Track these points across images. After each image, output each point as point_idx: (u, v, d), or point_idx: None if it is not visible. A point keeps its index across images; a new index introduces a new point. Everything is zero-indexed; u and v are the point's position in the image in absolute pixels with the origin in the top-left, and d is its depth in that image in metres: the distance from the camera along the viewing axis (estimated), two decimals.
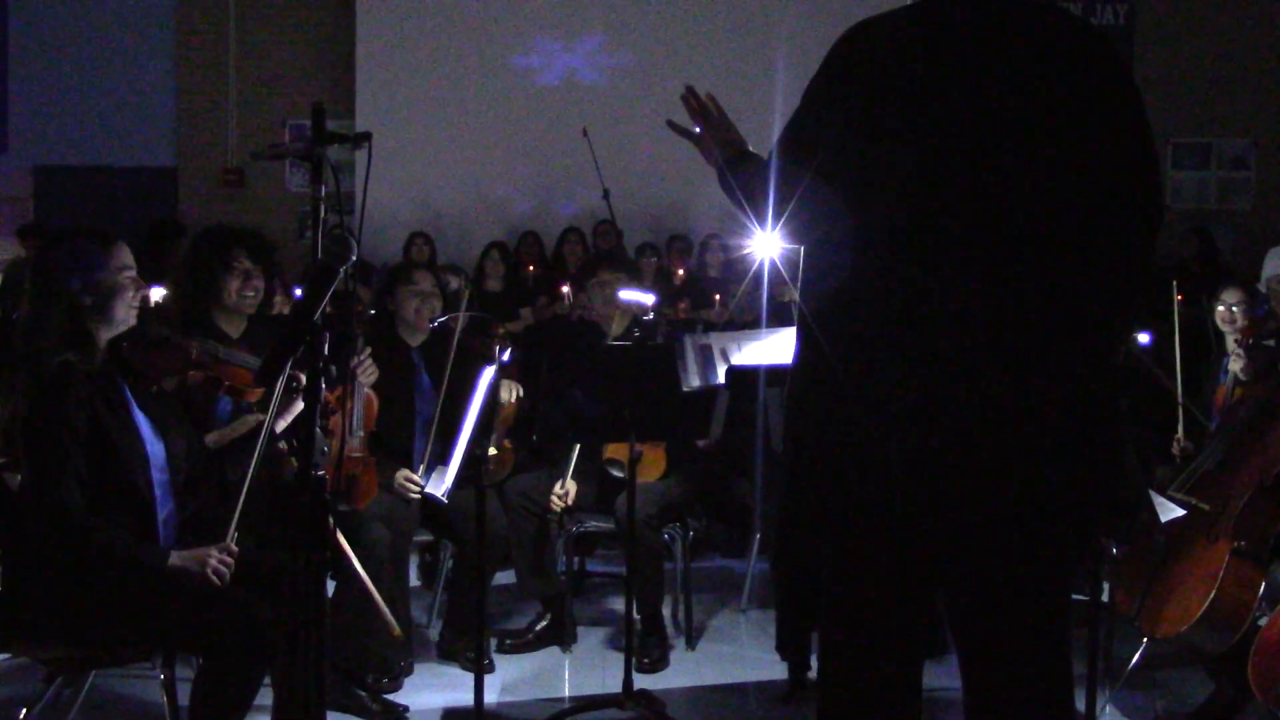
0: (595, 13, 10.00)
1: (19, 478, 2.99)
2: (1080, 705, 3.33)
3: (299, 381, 3.01)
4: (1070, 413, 1.97)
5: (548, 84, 9.94)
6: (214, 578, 2.93)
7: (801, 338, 2.13)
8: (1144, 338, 4.07)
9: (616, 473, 4.48)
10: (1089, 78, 1.98)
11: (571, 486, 4.44)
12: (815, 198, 2.05)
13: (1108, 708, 3.75)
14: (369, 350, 4.01)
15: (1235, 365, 4.60)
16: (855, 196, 2.01)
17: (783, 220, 2.12)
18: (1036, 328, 1.96)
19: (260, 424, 3.17)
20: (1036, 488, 1.97)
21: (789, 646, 3.99)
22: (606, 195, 6.71)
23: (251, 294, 3.66)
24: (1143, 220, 2.02)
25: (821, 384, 2.07)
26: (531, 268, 8.75)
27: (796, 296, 2.19)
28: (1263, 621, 3.34)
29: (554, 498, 4.41)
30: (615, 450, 4.48)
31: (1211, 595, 3.37)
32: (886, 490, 2.00)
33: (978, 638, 2.11)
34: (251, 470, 3.09)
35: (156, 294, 3.80)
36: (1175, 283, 4.68)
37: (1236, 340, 4.62)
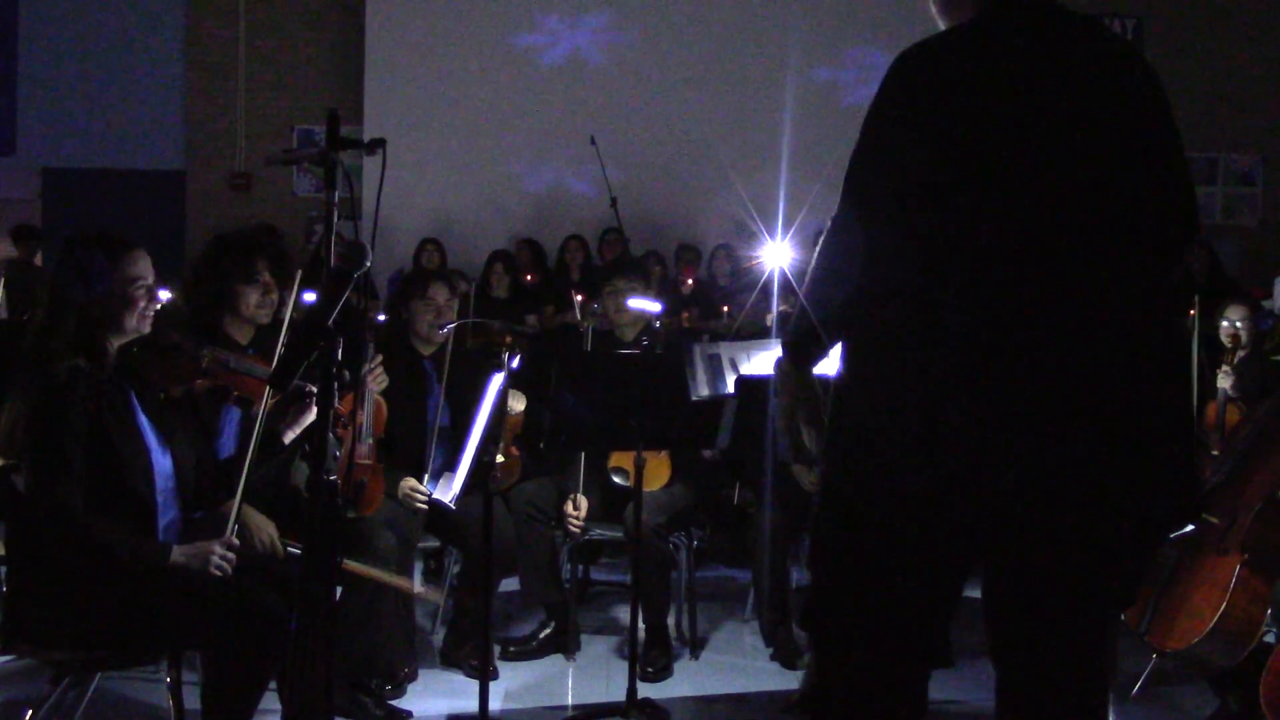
0: (606, 4, 10.02)
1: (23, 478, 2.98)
2: None
3: (310, 391, 3.02)
4: (1142, 423, 1.98)
5: (559, 92, 9.95)
6: (216, 572, 2.92)
7: (855, 360, 2.09)
8: None
9: (620, 481, 4.48)
10: (1137, 97, 2.03)
11: (583, 502, 4.44)
12: (883, 230, 2.01)
13: None
14: (379, 357, 4.02)
15: (1224, 382, 4.64)
16: (930, 222, 1.98)
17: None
18: (1112, 347, 1.97)
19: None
20: (1097, 496, 1.97)
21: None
22: (614, 203, 6.72)
23: (268, 306, 3.66)
24: (1181, 238, 2.08)
25: (878, 402, 2.03)
26: (530, 276, 8.74)
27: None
28: (1270, 638, 3.34)
29: (570, 520, 4.41)
30: (620, 459, 4.48)
31: (1221, 609, 3.37)
32: (937, 493, 1.98)
33: (1022, 644, 2.12)
34: (247, 467, 3.08)
35: (163, 295, 3.79)
36: (1196, 297, 4.72)
37: (1224, 358, 4.66)
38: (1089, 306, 1.96)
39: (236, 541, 3.01)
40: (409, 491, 4.17)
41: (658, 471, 4.53)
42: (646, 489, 4.45)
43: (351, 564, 3.30)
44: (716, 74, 9.78)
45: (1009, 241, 1.95)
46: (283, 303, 3.54)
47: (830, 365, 2.19)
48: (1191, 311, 4.93)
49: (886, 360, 2.02)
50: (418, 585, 3.35)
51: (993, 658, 2.17)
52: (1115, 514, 2.00)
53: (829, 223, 2.10)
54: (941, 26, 2.15)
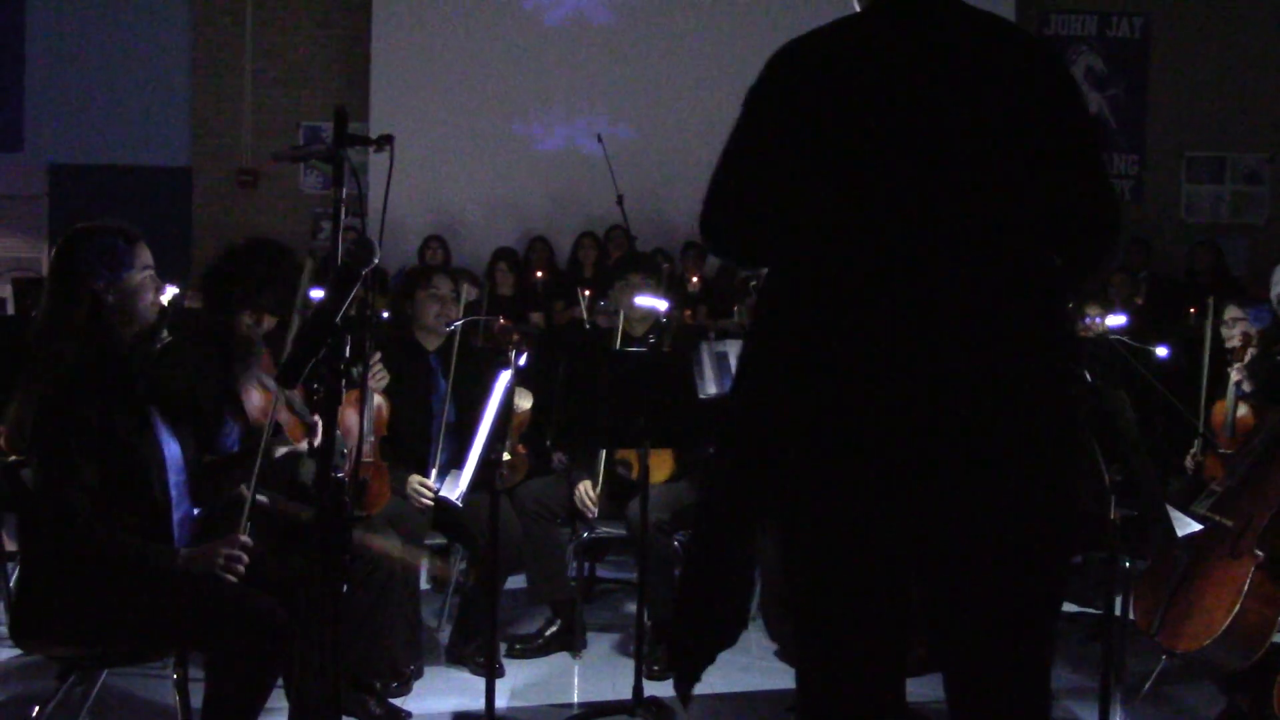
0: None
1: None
2: (1093, 719, 3.33)
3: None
4: (1031, 420, 1.98)
5: (561, 87, 9.94)
6: (225, 573, 2.92)
7: (759, 345, 2.10)
8: (1161, 351, 4.07)
9: (623, 473, 4.49)
10: (1034, 83, 2.02)
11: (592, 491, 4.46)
12: (763, 205, 2.06)
13: None
14: (379, 355, 4.01)
15: (1236, 376, 4.65)
16: (815, 209, 2.01)
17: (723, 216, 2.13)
18: (994, 332, 1.97)
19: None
20: (1003, 493, 1.98)
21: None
22: (621, 200, 6.71)
23: (261, 328, 3.67)
24: (1097, 226, 2.07)
25: (787, 387, 2.03)
26: (540, 274, 8.74)
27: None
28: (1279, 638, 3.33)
29: (585, 502, 4.42)
30: (624, 451, 4.49)
31: (1234, 612, 3.36)
32: (867, 492, 1.98)
33: (954, 645, 2.11)
34: (255, 475, 3.08)
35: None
36: (1212, 300, 4.72)
37: (1235, 355, 4.67)
38: (971, 302, 1.96)
39: (249, 540, 3.00)
40: (416, 487, 4.17)
41: (660, 464, 4.52)
42: (649, 481, 4.45)
43: (370, 537, 3.28)
44: (728, 73, 9.75)
45: (885, 232, 1.96)
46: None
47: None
48: (1193, 310, 4.95)
49: (797, 335, 2.02)
50: (425, 563, 3.33)
51: (938, 660, 2.15)
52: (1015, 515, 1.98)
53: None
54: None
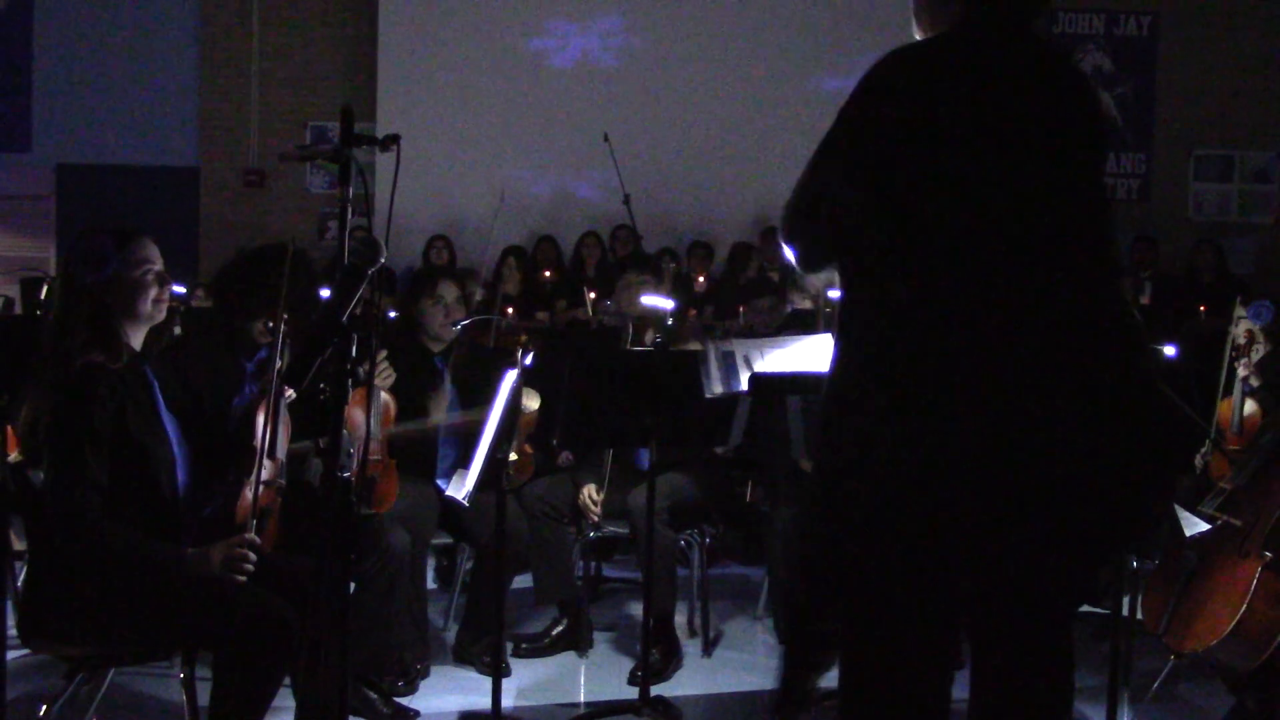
0: (615, 7, 10.01)
1: (41, 474, 2.99)
2: (1101, 718, 3.32)
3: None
4: (1111, 427, 2.06)
5: (571, 88, 9.94)
6: (234, 573, 2.92)
7: (847, 353, 2.16)
8: (1169, 350, 4.06)
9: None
10: (1084, 115, 2.17)
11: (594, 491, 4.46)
12: (852, 212, 2.11)
13: None
14: (385, 353, 4.01)
15: (1243, 372, 4.65)
16: (910, 221, 2.06)
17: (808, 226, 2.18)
18: (1079, 346, 2.06)
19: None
20: (1072, 503, 2.06)
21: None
22: (627, 200, 6.71)
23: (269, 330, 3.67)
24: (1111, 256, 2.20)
25: (868, 399, 2.09)
26: (548, 273, 8.75)
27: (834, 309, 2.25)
28: None
29: (589, 505, 4.43)
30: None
31: (1241, 612, 3.35)
32: (932, 504, 2.04)
33: (996, 646, 2.21)
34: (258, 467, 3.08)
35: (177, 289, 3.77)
36: (1239, 298, 4.73)
37: (1243, 350, 4.68)
38: (1062, 303, 2.05)
39: (255, 538, 3.01)
40: (587, 501, 4.41)
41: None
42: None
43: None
44: (726, 76, 9.76)
45: (978, 240, 2.04)
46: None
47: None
48: (1203, 308, 4.95)
49: (878, 361, 2.08)
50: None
51: (972, 656, 2.26)
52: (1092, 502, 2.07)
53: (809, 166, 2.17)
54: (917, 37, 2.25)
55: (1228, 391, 4.76)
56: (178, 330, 3.10)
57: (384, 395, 4.05)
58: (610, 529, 4.61)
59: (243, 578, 2.91)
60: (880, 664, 2.17)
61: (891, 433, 2.04)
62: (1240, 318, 4.81)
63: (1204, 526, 3.32)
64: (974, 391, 2.01)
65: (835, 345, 2.19)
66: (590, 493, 4.47)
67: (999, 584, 2.15)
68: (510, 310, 6.80)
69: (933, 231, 2.05)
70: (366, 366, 3.83)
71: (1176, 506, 3.29)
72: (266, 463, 3.13)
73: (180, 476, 3.01)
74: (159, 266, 3.01)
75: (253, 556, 2.95)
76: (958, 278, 2.04)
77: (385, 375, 4.04)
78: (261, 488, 3.11)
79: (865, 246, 2.11)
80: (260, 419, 3.22)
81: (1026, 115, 2.08)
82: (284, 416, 3.28)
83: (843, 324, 2.18)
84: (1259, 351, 4.80)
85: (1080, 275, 2.07)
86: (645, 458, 4.54)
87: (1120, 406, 2.07)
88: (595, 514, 4.45)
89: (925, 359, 2.03)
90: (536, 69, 9.97)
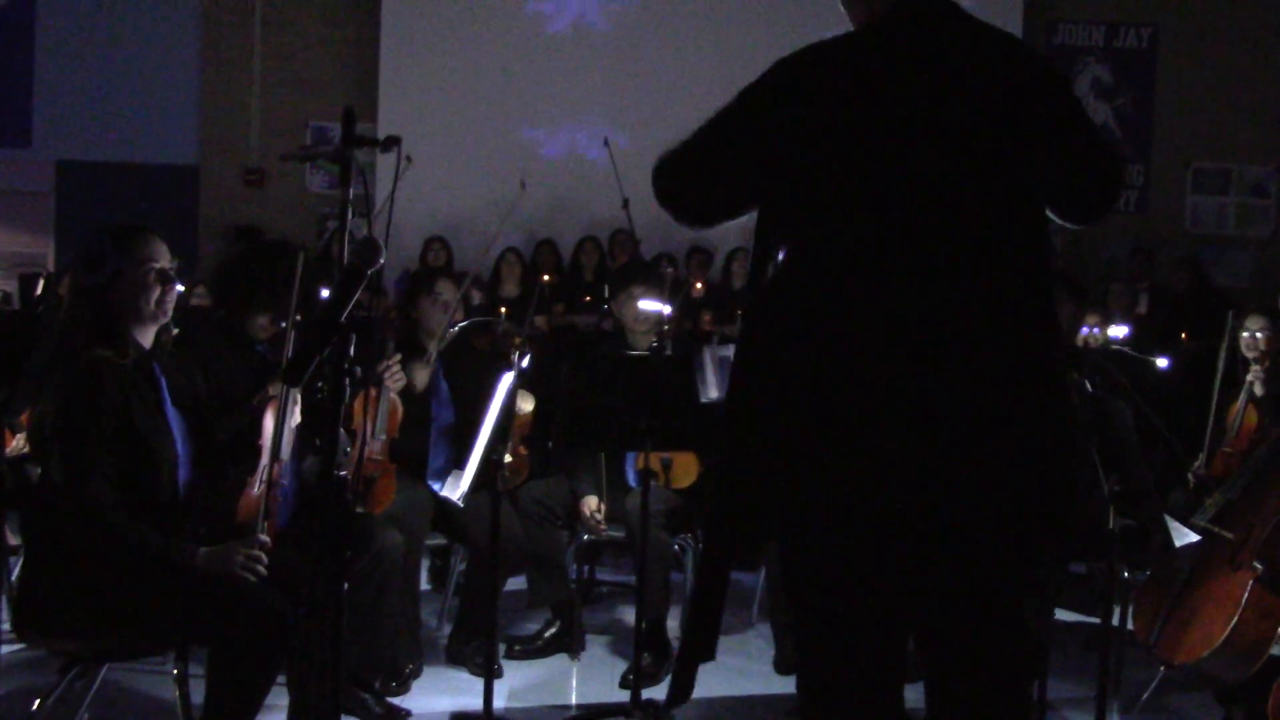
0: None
1: (39, 470, 3.00)
2: None
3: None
4: (1038, 423, 2.04)
5: (568, 90, 9.96)
6: (245, 573, 2.93)
7: (760, 352, 2.12)
8: (1162, 362, 4.09)
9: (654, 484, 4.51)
10: (1024, 79, 2.12)
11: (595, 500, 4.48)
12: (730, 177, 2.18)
13: None
14: (398, 355, 4.02)
15: (1253, 377, 4.68)
16: (819, 215, 2.07)
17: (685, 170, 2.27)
18: (1004, 336, 2.04)
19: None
20: (1003, 502, 2.03)
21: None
22: (626, 205, 6.72)
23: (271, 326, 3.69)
24: (1102, 178, 2.21)
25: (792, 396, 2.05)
26: (547, 277, 8.76)
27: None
28: (1279, 652, 3.33)
29: (594, 519, 4.45)
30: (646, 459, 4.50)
31: (1232, 624, 3.36)
32: (868, 502, 2.01)
33: (939, 649, 2.16)
34: (265, 464, 3.10)
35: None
36: (1230, 312, 4.76)
37: (1255, 358, 4.70)
38: (984, 292, 2.03)
39: (266, 538, 3.02)
40: (592, 511, 4.40)
41: (686, 468, 4.53)
42: (677, 487, 4.46)
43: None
44: (732, 78, 9.76)
45: (900, 237, 2.02)
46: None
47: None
48: (1184, 335, 4.99)
49: (803, 342, 2.05)
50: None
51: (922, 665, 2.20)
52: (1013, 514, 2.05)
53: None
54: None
55: (1234, 394, 4.79)
56: (175, 331, 3.10)
57: (393, 397, 4.06)
58: (607, 533, 4.62)
59: (254, 577, 2.94)
60: (828, 667, 2.16)
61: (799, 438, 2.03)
62: (1256, 330, 4.84)
63: (1194, 538, 3.34)
64: (886, 394, 1.99)
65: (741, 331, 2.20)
66: (591, 506, 4.47)
67: (932, 581, 2.11)
68: (503, 310, 6.80)
69: (836, 231, 2.05)
70: (378, 367, 3.88)
71: (1168, 518, 3.30)
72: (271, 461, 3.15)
73: (182, 474, 3.03)
74: (161, 264, 3.00)
75: (264, 558, 2.98)
76: (863, 276, 2.02)
77: (397, 378, 4.05)
78: (264, 486, 3.13)
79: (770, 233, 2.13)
80: (269, 418, 3.24)
81: (941, 109, 2.04)
82: (294, 417, 3.30)
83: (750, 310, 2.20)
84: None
85: (999, 276, 2.04)
86: (632, 470, 4.55)
87: (1035, 409, 2.05)
88: (601, 528, 4.47)
89: (834, 354, 2.02)
90: (541, 68, 9.97)
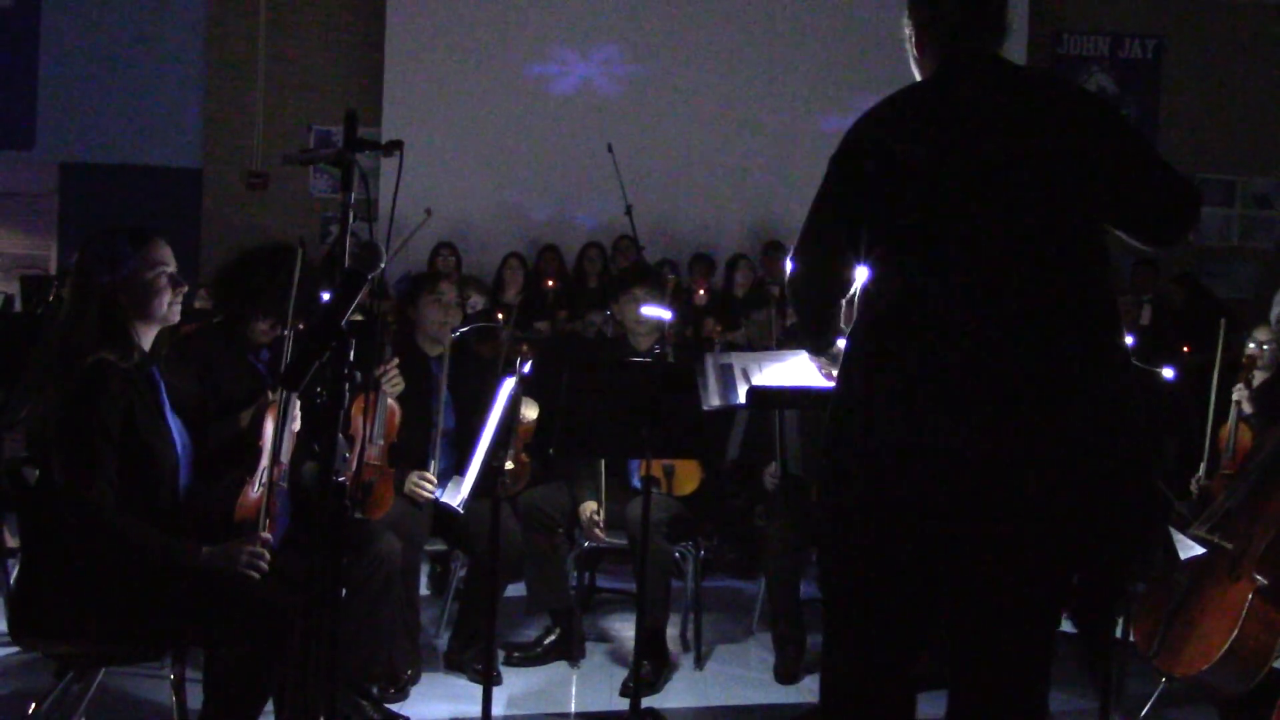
0: (615, 23, 10.02)
1: (36, 472, 2.98)
2: None
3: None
4: (1105, 438, 2.17)
5: (574, 95, 9.96)
6: (249, 571, 2.92)
7: (850, 363, 2.32)
8: (1168, 373, 4.07)
9: (656, 491, 4.49)
10: (1080, 118, 2.28)
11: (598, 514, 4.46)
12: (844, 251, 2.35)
13: None
14: (396, 360, 4.00)
15: (1238, 395, 4.66)
16: (891, 255, 2.27)
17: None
18: (1070, 351, 2.18)
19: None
20: (1063, 509, 2.16)
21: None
22: (629, 211, 6.71)
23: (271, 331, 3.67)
24: (1178, 203, 2.32)
25: (869, 402, 2.24)
26: (551, 282, 8.75)
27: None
28: None
29: (594, 527, 4.43)
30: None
31: (1233, 636, 3.34)
32: (922, 499, 2.17)
33: (969, 651, 2.29)
34: (265, 466, 3.09)
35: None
36: (1223, 320, 4.75)
37: (1240, 377, 4.68)
38: (1049, 310, 2.18)
39: (268, 536, 3.01)
40: (417, 481, 4.14)
41: (688, 476, 4.52)
42: (679, 494, 4.45)
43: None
44: (738, 86, 9.79)
45: (972, 270, 2.19)
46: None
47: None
48: (1186, 349, 4.97)
49: (878, 379, 2.23)
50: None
51: (949, 672, 2.34)
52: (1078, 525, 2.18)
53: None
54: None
55: (1225, 416, 4.76)
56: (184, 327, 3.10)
57: (390, 402, 4.05)
58: (606, 540, 4.60)
59: (257, 575, 2.93)
60: (849, 665, 2.34)
61: (873, 433, 2.21)
62: (1263, 341, 4.81)
63: (1198, 550, 3.32)
64: (958, 403, 2.14)
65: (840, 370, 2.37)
66: (591, 512, 4.45)
67: (973, 586, 2.25)
68: (501, 317, 6.79)
69: (912, 261, 2.24)
70: (375, 372, 3.87)
71: (1171, 530, 3.29)
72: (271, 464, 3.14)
73: (182, 478, 3.02)
74: (171, 268, 3.02)
75: (268, 555, 2.98)
76: (939, 306, 2.19)
77: (394, 382, 4.03)
78: (263, 489, 3.12)
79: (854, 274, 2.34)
80: (269, 421, 3.23)
81: (990, 149, 2.21)
82: (294, 421, 3.28)
83: (846, 352, 2.35)
84: (1258, 378, 4.80)
85: (1062, 303, 2.18)
86: (635, 473, 4.54)
87: (1103, 427, 2.17)
88: (601, 535, 4.45)
89: (907, 369, 2.19)
90: (542, 80, 9.99)
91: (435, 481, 4.15)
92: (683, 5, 9.96)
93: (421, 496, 4.13)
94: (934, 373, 2.15)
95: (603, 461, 4.51)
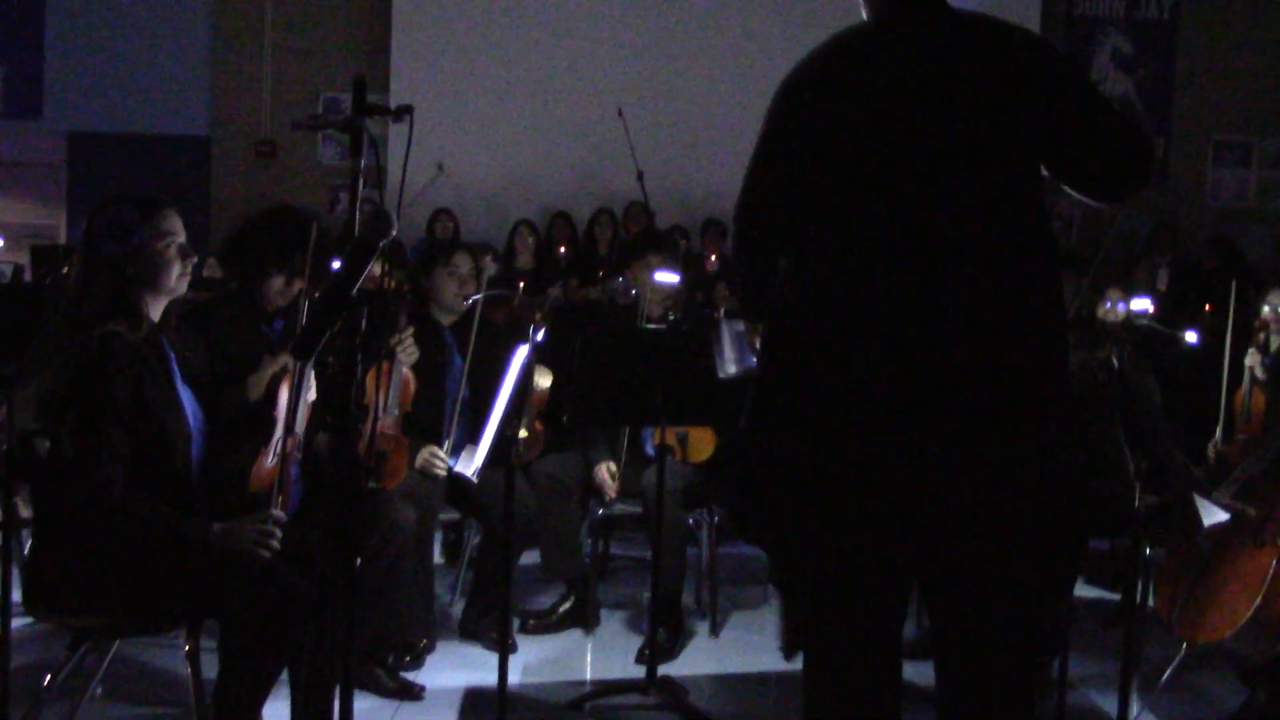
0: None
1: (47, 444, 2.96)
2: (1113, 709, 3.30)
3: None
4: (1037, 409, 2.10)
5: (583, 60, 9.87)
6: (259, 549, 2.90)
7: (776, 342, 2.25)
8: (1191, 337, 4.02)
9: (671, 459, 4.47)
10: (1019, 64, 2.13)
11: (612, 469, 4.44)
12: (785, 207, 2.25)
13: (1141, 714, 3.69)
14: (411, 329, 3.97)
15: (1251, 360, 4.62)
16: (830, 214, 2.17)
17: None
18: (1004, 322, 2.08)
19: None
20: (1013, 487, 2.09)
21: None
22: (641, 177, 6.65)
23: (292, 291, 3.61)
24: (1131, 163, 2.16)
25: (799, 385, 2.17)
26: (563, 249, 8.72)
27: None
28: None
29: (608, 484, 4.40)
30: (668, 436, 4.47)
31: (1257, 602, 3.32)
32: (871, 485, 2.11)
33: (951, 630, 2.23)
34: (280, 437, 3.07)
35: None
36: (1234, 284, 4.69)
37: (1254, 340, 4.64)
38: (971, 301, 2.07)
39: (280, 513, 2.98)
40: (429, 458, 4.13)
41: (702, 442, 4.49)
42: (694, 460, 4.42)
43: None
44: (747, 51, 9.69)
45: (908, 229, 2.09)
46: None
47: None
48: (1208, 306, 4.91)
49: (802, 354, 2.17)
50: None
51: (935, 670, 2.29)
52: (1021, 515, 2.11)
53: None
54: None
55: (1239, 380, 4.72)
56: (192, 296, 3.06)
57: (405, 371, 4.02)
58: (620, 507, 4.58)
59: (267, 553, 2.90)
60: (831, 631, 2.26)
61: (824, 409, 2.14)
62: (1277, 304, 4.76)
63: (1224, 516, 3.29)
64: (877, 400, 2.08)
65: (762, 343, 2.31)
66: (609, 469, 4.43)
67: (939, 564, 2.19)
68: (521, 285, 6.75)
69: (839, 219, 2.14)
70: (391, 340, 3.83)
71: (1195, 495, 3.25)
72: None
73: (195, 451, 2.99)
74: (181, 239, 2.98)
75: (279, 533, 2.94)
76: (862, 262, 2.11)
77: (410, 351, 4.00)
78: (278, 460, 3.10)
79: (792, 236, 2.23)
80: (284, 392, 3.20)
81: (927, 98, 2.10)
82: (310, 391, 3.26)
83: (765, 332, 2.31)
84: (1274, 343, 4.75)
85: (991, 262, 2.08)
86: (649, 441, 4.52)
87: (1034, 392, 2.09)
88: (613, 490, 4.42)
89: (828, 348, 2.13)
90: (551, 45, 9.89)
91: (446, 459, 4.14)
92: None
93: (434, 474, 4.12)
94: (852, 368, 2.10)
95: (626, 430, 4.48)
